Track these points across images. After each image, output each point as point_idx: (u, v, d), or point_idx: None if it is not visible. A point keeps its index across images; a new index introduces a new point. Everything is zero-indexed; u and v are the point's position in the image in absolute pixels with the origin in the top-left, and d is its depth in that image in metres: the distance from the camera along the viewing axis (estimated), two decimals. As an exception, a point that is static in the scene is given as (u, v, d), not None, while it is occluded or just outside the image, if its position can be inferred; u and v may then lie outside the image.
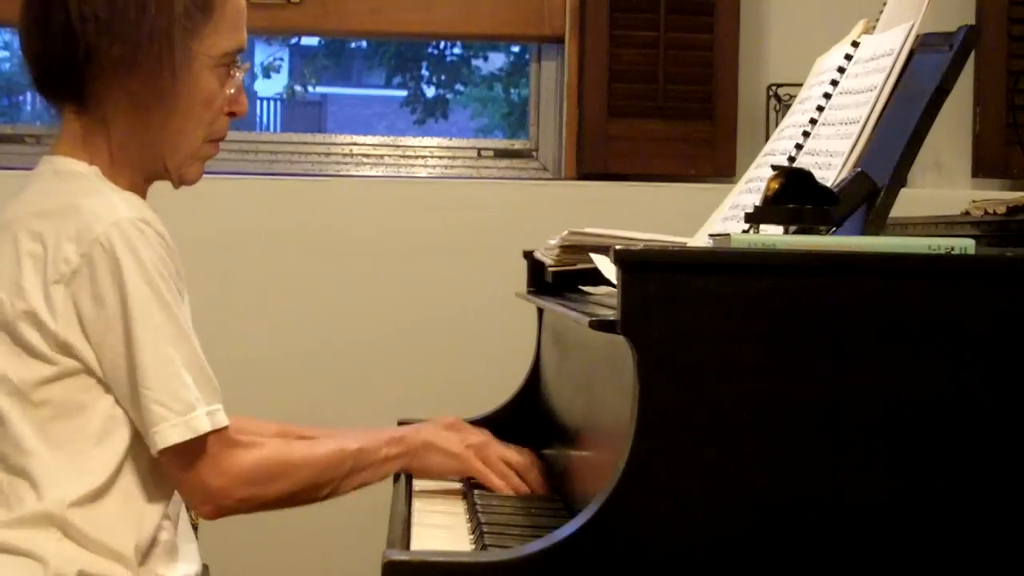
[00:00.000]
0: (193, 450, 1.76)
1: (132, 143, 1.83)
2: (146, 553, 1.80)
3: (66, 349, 1.74)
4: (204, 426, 1.75)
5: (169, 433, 1.73)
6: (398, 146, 3.53)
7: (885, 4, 1.98)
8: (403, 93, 8.55)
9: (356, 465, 1.90)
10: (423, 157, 3.51)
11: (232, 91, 1.87)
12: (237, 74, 1.88)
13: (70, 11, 1.77)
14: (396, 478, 2.09)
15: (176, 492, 1.86)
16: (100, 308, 1.73)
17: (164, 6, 1.78)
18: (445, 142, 3.56)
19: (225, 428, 1.78)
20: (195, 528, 2.23)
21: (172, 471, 1.79)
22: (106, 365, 1.75)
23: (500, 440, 2.12)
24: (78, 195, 1.77)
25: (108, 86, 1.80)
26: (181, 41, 1.79)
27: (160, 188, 1.92)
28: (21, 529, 1.74)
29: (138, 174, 1.86)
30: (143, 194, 1.87)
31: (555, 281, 2.26)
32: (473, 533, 1.78)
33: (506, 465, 2.04)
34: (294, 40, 8.57)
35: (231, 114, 1.89)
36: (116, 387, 1.76)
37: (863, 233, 1.67)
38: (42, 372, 1.75)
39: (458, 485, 2.08)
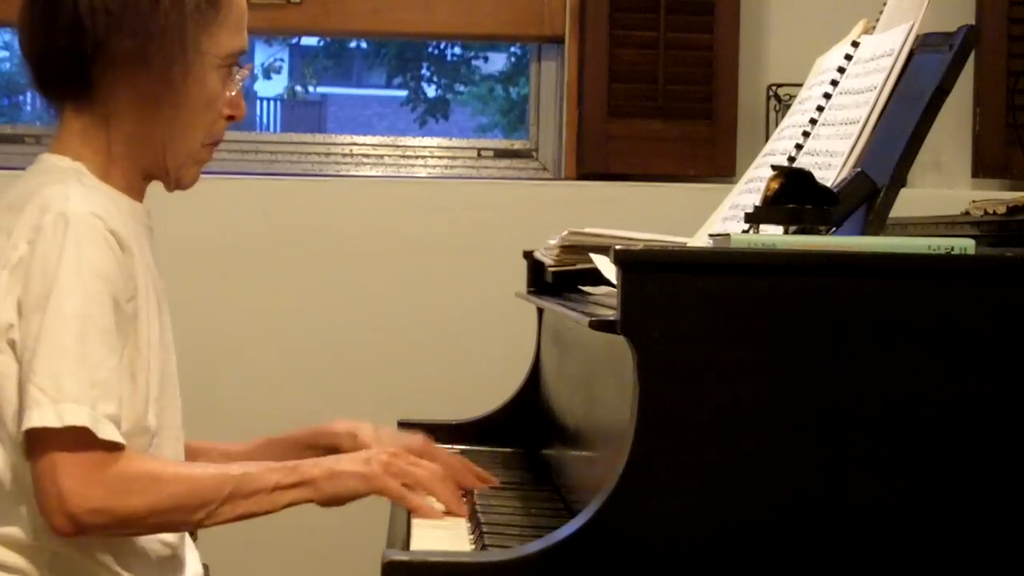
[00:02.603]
0: (55, 443, 1.64)
1: (135, 140, 1.81)
2: (142, 567, 1.80)
3: (6, 335, 1.69)
4: (77, 419, 1.63)
5: (33, 415, 1.63)
6: (398, 146, 3.53)
7: (885, 4, 1.98)
8: (403, 93, 8.55)
9: (237, 490, 1.72)
10: (423, 157, 3.51)
11: (233, 94, 1.85)
12: (238, 76, 1.86)
13: (79, 5, 1.75)
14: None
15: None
16: (27, 293, 1.68)
17: (177, 0, 1.76)
18: (445, 142, 3.56)
19: (112, 444, 1.65)
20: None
21: (31, 466, 1.66)
22: (21, 351, 1.69)
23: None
24: (41, 187, 1.74)
25: (115, 82, 1.78)
26: (192, 37, 1.77)
27: (161, 188, 1.92)
28: (6, 548, 1.73)
29: (136, 172, 1.83)
30: (140, 192, 1.85)
31: (555, 281, 2.26)
32: (473, 533, 1.78)
33: (417, 477, 1.83)
34: (294, 40, 8.58)
35: (230, 118, 1.87)
36: None
37: (863, 233, 1.67)
38: None
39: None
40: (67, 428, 1.63)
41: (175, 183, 1.87)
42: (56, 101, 1.84)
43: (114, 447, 1.66)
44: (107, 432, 1.65)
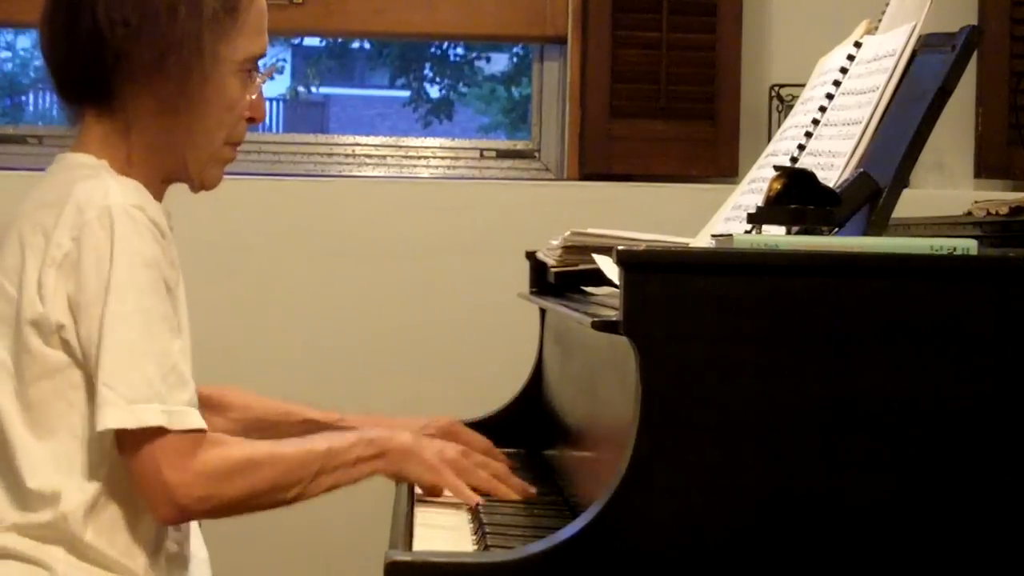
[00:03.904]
0: (146, 442, 1.69)
1: (155, 146, 1.82)
2: (155, 563, 1.80)
3: (57, 334, 1.72)
4: (152, 419, 1.67)
5: (108, 416, 1.67)
6: (401, 147, 3.53)
7: (888, 4, 1.98)
8: (406, 94, 8.55)
9: (325, 466, 1.80)
10: (426, 158, 3.51)
11: (254, 96, 1.87)
12: (259, 79, 1.87)
13: (98, 16, 1.77)
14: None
15: None
16: (82, 291, 1.71)
17: (193, 10, 1.77)
18: (448, 143, 3.56)
19: (195, 431, 1.71)
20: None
21: (127, 463, 1.71)
22: (83, 350, 1.72)
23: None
24: (75, 182, 1.76)
25: (135, 90, 1.79)
26: (210, 45, 1.78)
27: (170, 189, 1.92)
28: (26, 537, 1.74)
29: (156, 176, 1.85)
30: (160, 195, 1.87)
31: (557, 282, 2.26)
32: (476, 534, 1.78)
33: (480, 480, 1.94)
34: (297, 41, 8.58)
35: (250, 119, 1.89)
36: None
37: (865, 234, 1.67)
38: (34, 367, 1.74)
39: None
40: (144, 428, 1.68)
41: (199, 184, 1.90)
42: (76, 106, 1.85)
43: (200, 432, 1.71)
44: (186, 422, 1.70)
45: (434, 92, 8.31)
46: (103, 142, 1.82)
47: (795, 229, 1.64)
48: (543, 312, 2.47)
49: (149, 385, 1.68)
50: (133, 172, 1.82)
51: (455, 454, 1.93)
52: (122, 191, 1.75)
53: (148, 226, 1.74)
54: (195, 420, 1.71)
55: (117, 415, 1.67)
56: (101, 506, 1.75)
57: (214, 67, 1.80)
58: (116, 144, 1.82)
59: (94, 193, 1.74)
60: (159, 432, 1.68)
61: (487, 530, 1.76)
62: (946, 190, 3.38)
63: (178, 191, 1.93)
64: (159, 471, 1.69)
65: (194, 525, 1.97)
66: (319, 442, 1.83)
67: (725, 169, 3.31)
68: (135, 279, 1.70)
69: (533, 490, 1.99)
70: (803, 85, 2.12)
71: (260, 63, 1.89)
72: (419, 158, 3.51)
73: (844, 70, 1.96)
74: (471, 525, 1.84)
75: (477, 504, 1.88)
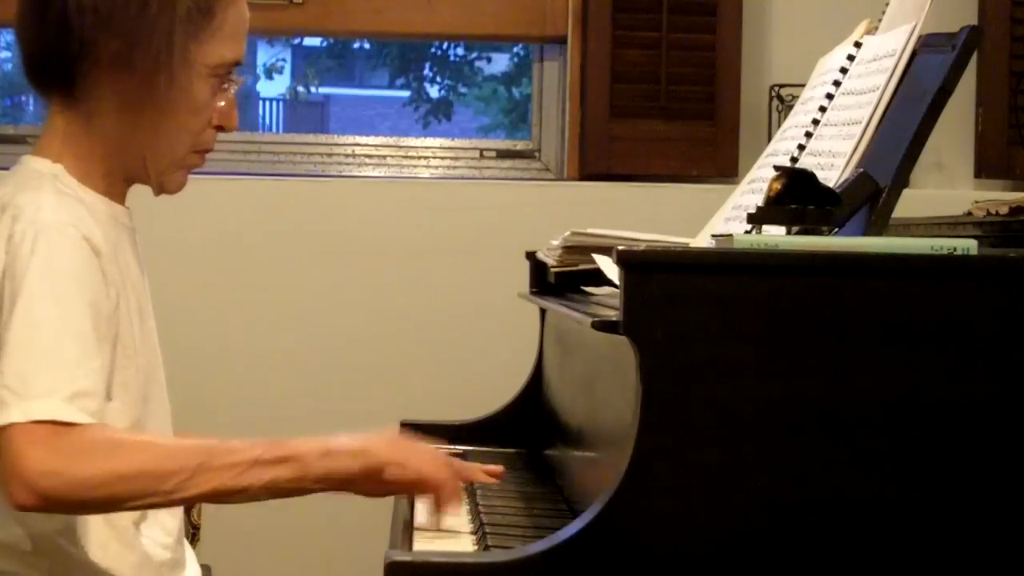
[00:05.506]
0: (25, 435, 1.56)
1: (116, 143, 1.78)
2: (147, 571, 1.79)
3: None
4: (42, 414, 1.55)
5: (4, 415, 1.56)
6: (400, 147, 3.53)
7: (888, 5, 1.98)
8: (406, 94, 8.56)
9: (210, 461, 1.59)
10: (426, 158, 3.51)
11: (223, 104, 1.81)
12: (231, 88, 1.82)
13: (68, 1, 1.72)
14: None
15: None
16: (1, 307, 1.64)
17: (166, 5, 1.72)
18: (448, 143, 3.56)
19: (72, 424, 1.57)
20: (197, 529, 2.22)
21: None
22: None
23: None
24: (16, 194, 1.72)
25: (99, 82, 1.75)
26: (180, 45, 1.73)
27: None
28: (5, 556, 1.72)
29: (117, 175, 1.80)
30: (121, 195, 1.83)
31: (557, 282, 2.26)
32: (475, 534, 1.78)
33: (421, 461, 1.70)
34: (296, 41, 8.59)
35: (219, 128, 1.82)
36: None
37: (865, 234, 1.67)
38: None
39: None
40: (34, 423, 1.56)
41: (159, 187, 1.83)
42: (44, 95, 1.82)
43: (79, 425, 1.58)
44: (78, 418, 1.58)
45: (434, 92, 8.32)
46: (64, 136, 1.78)
47: (795, 229, 1.65)
48: (543, 312, 2.48)
49: (48, 383, 1.57)
50: (94, 169, 1.78)
51: (388, 438, 1.71)
52: (56, 206, 1.69)
53: (78, 242, 1.67)
54: (83, 418, 1.58)
55: (9, 413, 1.56)
56: (75, 523, 1.70)
57: (182, 68, 1.74)
58: (77, 138, 1.78)
59: (29, 207, 1.68)
60: (37, 423, 1.56)
61: (487, 530, 1.76)
62: (946, 190, 3.38)
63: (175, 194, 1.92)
64: (13, 448, 1.56)
65: (184, 541, 1.95)
66: (213, 438, 1.64)
67: (725, 169, 3.31)
68: (50, 289, 1.63)
69: (499, 468, 1.82)
70: (803, 85, 2.12)
71: (236, 70, 1.83)
72: (419, 158, 3.51)
73: (844, 70, 1.96)
74: (471, 525, 1.84)
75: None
